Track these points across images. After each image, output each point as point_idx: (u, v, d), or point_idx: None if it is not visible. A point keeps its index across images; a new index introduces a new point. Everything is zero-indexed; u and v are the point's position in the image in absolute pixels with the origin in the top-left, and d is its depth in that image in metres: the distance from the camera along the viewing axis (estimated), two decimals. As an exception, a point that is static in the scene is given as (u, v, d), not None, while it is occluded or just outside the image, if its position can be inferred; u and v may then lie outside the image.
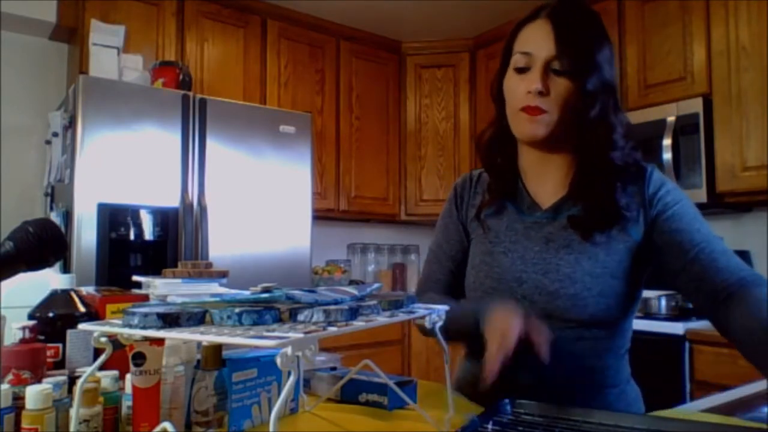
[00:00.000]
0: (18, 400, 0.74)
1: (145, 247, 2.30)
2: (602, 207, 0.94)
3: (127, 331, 0.64)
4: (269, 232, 2.58)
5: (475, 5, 3.13)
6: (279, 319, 0.65)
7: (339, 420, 0.89)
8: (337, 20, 3.34)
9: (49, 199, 2.48)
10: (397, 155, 3.61)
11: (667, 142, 2.39)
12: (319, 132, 3.22)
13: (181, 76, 2.49)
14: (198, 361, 0.81)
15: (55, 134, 2.38)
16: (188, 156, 2.38)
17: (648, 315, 2.29)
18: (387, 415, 0.91)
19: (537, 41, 0.96)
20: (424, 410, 0.87)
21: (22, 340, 0.86)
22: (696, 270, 0.89)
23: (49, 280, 0.96)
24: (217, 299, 0.71)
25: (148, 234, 2.28)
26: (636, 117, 2.54)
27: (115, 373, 0.82)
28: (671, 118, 2.40)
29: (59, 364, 0.89)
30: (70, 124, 2.20)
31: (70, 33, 2.72)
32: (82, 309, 0.94)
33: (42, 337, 0.89)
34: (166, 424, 0.65)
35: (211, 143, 2.44)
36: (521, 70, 0.97)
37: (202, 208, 2.39)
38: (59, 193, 2.36)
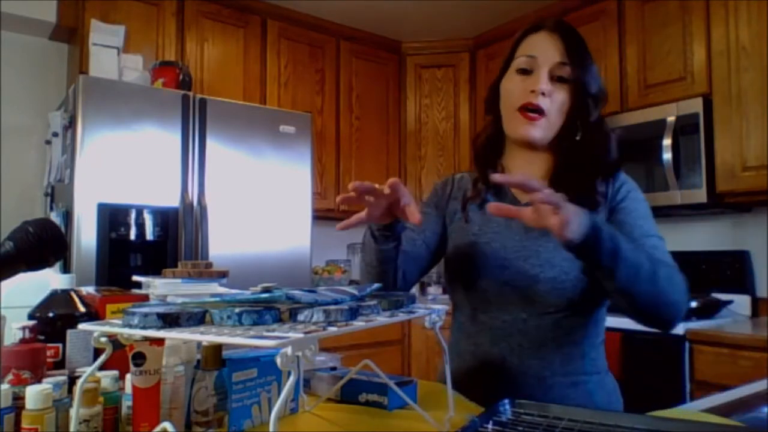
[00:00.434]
0: (18, 400, 0.74)
1: (145, 247, 2.30)
2: (582, 194, 1.00)
3: (127, 331, 0.64)
4: (269, 232, 2.58)
5: (475, 5, 3.13)
6: (279, 319, 0.65)
7: (339, 420, 0.89)
8: (337, 20, 3.34)
9: (49, 199, 2.48)
10: (397, 155, 3.61)
11: (667, 142, 2.39)
12: (319, 132, 3.22)
13: (181, 76, 2.49)
14: (198, 361, 0.81)
15: (55, 134, 2.39)
16: (188, 156, 2.38)
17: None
18: (387, 415, 0.91)
19: (544, 48, 1.03)
20: (424, 410, 0.87)
21: (22, 340, 0.86)
22: None
23: (49, 280, 0.96)
24: (217, 299, 0.71)
25: (148, 234, 2.28)
26: (636, 117, 2.55)
27: (115, 373, 0.82)
28: (671, 118, 2.40)
29: (59, 364, 0.89)
30: (70, 124, 2.20)
31: (70, 33, 2.72)
32: (82, 309, 0.94)
33: (42, 337, 0.89)
34: (166, 424, 0.65)
35: (211, 143, 2.44)
36: (524, 71, 1.04)
37: (202, 208, 2.39)
38: (59, 193, 2.36)
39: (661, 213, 2.65)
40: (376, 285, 0.86)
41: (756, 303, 2.45)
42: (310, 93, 3.24)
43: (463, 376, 1.06)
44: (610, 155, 1.04)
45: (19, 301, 0.93)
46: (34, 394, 0.71)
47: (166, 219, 2.31)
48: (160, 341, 0.75)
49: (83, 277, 2.02)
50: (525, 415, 0.80)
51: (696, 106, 2.36)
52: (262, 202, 2.56)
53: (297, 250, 2.65)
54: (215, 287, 1.04)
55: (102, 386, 0.79)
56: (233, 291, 0.96)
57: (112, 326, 0.65)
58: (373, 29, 3.46)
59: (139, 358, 0.74)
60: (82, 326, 0.68)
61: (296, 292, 0.74)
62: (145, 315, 0.63)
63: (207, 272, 1.03)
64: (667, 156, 2.38)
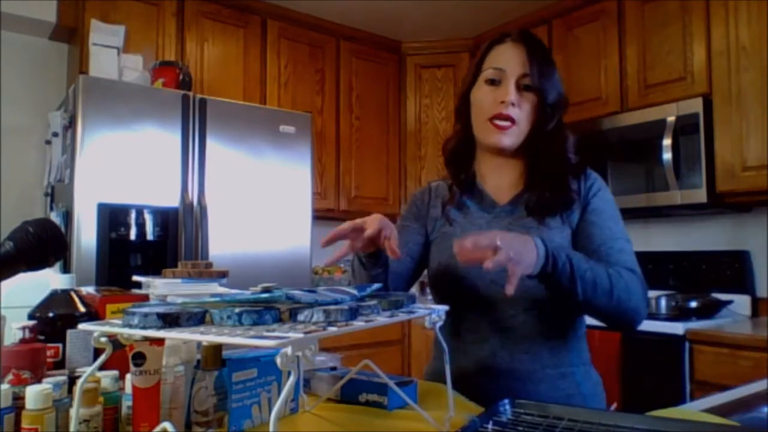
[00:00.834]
0: (18, 400, 0.74)
1: (145, 247, 2.30)
2: (556, 193, 1.09)
3: (127, 331, 0.64)
4: (269, 232, 2.58)
5: (475, 5, 3.13)
6: (279, 319, 0.66)
7: (339, 420, 0.89)
8: (337, 20, 3.34)
9: (49, 199, 2.48)
10: (397, 155, 3.61)
11: (667, 142, 2.39)
12: (319, 132, 3.22)
13: (181, 76, 2.48)
14: (198, 361, 0.81)
15: (55, 134, 2.39)
16: (188, 156, 2.38)
17: (648, 315, 2.27)
18: (387, 415, 0.91)
19: (510, 59, 1.10)
20: (424, 410, 0.87)
21: (22, 340, 0.86)
22: (594, 259, 1.03)
23: (49, 280, 0.96)
24: (217, 299, 0.71)
25: (148, 234, 2.28)
26: (636, 117, 2.55)
27: (115, 373, 0.82)
28: (671, 118, 2.40)
29: (59, 364, 0.89)
30: (70, 124, 2.20)
31: (70, 33, 2.72)
32: (82, 309, 0.94)
33: (42, 337, 0.89)
34: (166, 424, 0.65)
35: (211, 143, 2.44)
36: (492, 82, 1.11)
37: (202, 208, 2.39)
38: (59, 193, 2.36)
39: (661, 213, 2.65)
40: (376, 285, 0.86)
41: (756, 303, 2.45)
42: (310, 93, 3.24)
43: (454, 374, 1.06)
44: (569, 158, 1.12)
45: (19, 301, 0.93)
46: (34, 394, 0.71)
47: (166, 219, 2.31)
48: (160, 341, 0.75)
49: (83, 277, 2.02)
50: (525, 415, 0.80)
51: (696, 106, 2.36)
52: (262, 202, 2.56)
53: (297, 250, 2.65)
54: (215, 287, 1.04)
55: (102, 386, 0.79)
56: (233, 291, 0.96)
57: (112, 326, 0.66)
58: (373, 29, 3.46)
59: (139, 358, 0.74)
60: (82, 326, 0.68)
61: (296, 292, 0.74)
62: (145, 315, 0.63)
63: (207, 272, 1.04)
64: (667, 156, 2.38)
